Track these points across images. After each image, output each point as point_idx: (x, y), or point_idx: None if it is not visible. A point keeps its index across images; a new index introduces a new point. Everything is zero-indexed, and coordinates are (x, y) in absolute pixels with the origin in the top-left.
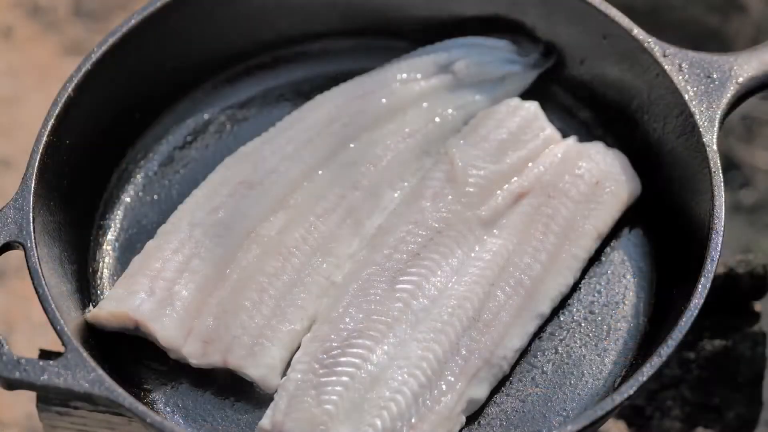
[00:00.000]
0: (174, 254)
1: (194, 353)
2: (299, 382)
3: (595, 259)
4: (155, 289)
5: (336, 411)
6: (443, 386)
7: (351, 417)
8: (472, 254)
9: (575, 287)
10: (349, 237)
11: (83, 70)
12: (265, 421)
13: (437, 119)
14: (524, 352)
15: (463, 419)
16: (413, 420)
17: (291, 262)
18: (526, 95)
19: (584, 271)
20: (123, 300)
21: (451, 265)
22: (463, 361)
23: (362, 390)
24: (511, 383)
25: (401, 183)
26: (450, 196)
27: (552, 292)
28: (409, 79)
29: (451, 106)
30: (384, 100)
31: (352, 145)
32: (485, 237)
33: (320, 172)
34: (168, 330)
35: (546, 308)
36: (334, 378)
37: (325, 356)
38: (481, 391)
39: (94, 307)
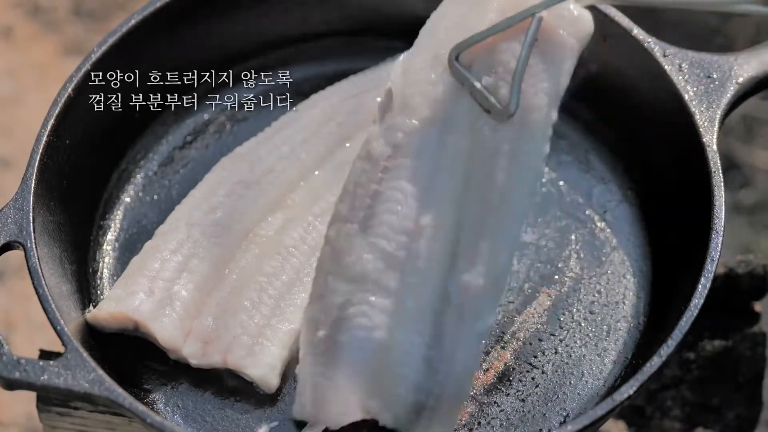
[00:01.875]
0: (172, 254)
1: (194, 353)
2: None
3: (595, 258)
4: (154, 289)
5: (357, 388)
6: (450, 343)
7: (374, 389)
8: (434, 173)
9: (575, 287)
10: None
11: (83, 70)
12: (297, 409)
13: None
14: (524, 352)
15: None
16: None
17: (290, 262)
18: None
19: (584, 271)
20: (122, 300)
21: (413, 194)
22: (457, 307)
23: (375, 361)
24: (511, 383)
25: None
26: (397, 118)
27: (523, 190)
28: None
29: None
30: (378, 99)
31: (347, 145)
32: (441, 148)
33: (317, 172)
34: (168, 330)
35: (522, 206)
36: (345, 356)
37: (323, 337)
38: (489, 321)
39: (93, 307)
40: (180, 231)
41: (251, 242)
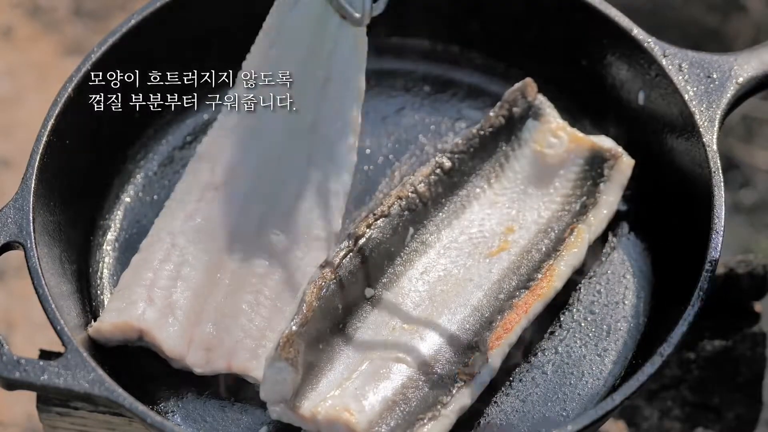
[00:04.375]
0: (162, 264)
1: (198, 362)
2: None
3: (595, 259)
4: (153, 297)
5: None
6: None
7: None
8: None
9: (575, 287)
10: None
11: (83, 70)
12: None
13: None
14: (524, 352)
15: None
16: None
17: (277, 259)
18: None
19: (584, 272)
20: (124, 311)
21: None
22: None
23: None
24: (511, 383)
25: None
26: None
27: None
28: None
29: None
30: None
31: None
32: None
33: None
34: (172, 339)
35: None
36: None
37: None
38: None
39: (93, 317)
40: (164, 241)
41: (236, 242)
